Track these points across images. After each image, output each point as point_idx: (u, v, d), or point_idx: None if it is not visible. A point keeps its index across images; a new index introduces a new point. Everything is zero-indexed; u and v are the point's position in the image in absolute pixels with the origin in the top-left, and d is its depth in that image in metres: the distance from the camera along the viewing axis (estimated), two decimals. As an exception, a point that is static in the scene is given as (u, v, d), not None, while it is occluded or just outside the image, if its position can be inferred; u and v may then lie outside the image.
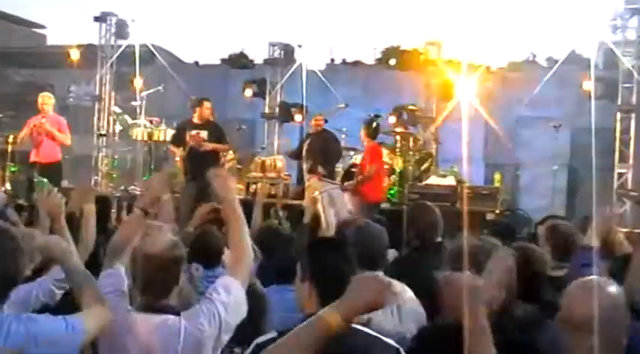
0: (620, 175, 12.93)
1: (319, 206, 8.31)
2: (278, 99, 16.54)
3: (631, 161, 12.89)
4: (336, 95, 14.75)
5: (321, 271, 2.59)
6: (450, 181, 11.17)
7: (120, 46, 15.98)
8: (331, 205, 9.67)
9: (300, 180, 11.88)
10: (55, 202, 3.80)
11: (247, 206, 9.97)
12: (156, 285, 2.99)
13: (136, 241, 3.18)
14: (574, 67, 14.05)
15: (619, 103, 13.00)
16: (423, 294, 3.63)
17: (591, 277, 2.47)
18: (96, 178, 15.53)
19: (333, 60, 20.12)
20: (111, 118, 15.71)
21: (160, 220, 3.79)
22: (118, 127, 14.83)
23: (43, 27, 26.73)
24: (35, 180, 9.12)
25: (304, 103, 14.54)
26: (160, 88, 14.28)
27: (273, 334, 2.45)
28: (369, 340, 2.46)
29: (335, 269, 2.54)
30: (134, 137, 13.63)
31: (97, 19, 16.26)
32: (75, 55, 15.79)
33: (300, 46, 16.42)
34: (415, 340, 3.00)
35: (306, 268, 2.65)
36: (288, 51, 16.82)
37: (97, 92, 16.25)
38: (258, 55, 18.82)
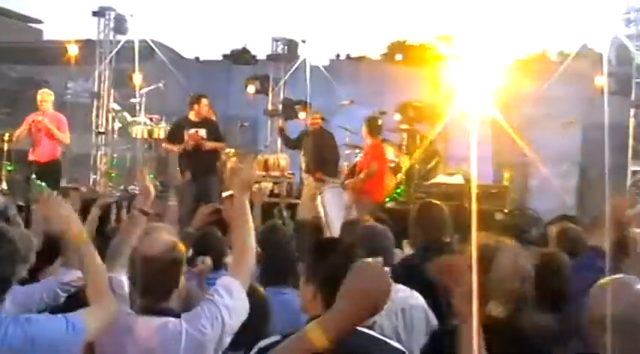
0: (634, 173, 12.90)
1: (318, 205, 8.35)
2: (281, 96, 16.53)
3: (645, 159, 12.87)
4: (341, 92, 14.75)
5: (326, 272, 2.57)
6: (458, 179, 11.17)
7: (119, 42, 15.98)
8: (330, 204, 9.73)
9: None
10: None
11: (250, 205, 10.00)
12: (155, 287, 2.99)
13: (135, 242, 3.19)
14: (586, 62, 14.02)
15: (632, 98, 12.98)
16: (430, 296, 3.64)
17: (619, 275, 2.47)
18: (94, 177, 15.54)
19: (338, 55, 20.11)
20: (110, 116, 15.72)
21: (166, 222, 3.81)
22: (117, 125, 14.85)
23: (39, 22, 26.80)
24: (34, 182, 9.13)
25: (308, 100, 14.55)
26: (160, 84, 14.29)
27: (276, 338, 2.46)
28: (373, 343, 2.44)
29: (340, 271, 2.54)
30: (134, 135, 13.65)
31: (95, 13, 16.28)
32: (72, 50, 15.77)
33: (303, 42, 16.44)
34: (428, 345, 3.01)
35: (310, 269, 2.65)
36: (291, 46, 16.82)
37: (96, 89, 16.25)
38: (260, 50, 18.81)
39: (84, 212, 5.26)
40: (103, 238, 4.80)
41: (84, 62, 16.27)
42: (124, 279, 3.19)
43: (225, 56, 20.63)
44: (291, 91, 16.36)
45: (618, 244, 3.82)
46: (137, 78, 14.50)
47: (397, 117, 12.83)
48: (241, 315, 3.06)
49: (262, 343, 2.52)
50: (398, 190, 11.29)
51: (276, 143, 15.89)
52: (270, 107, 16.61)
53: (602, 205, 3.35)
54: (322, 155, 10.57)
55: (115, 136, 15.27)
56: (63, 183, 12.59)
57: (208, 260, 4.16)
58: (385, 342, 2.51)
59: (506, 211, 10.32)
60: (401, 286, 3.74)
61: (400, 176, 11.39)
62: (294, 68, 15.96)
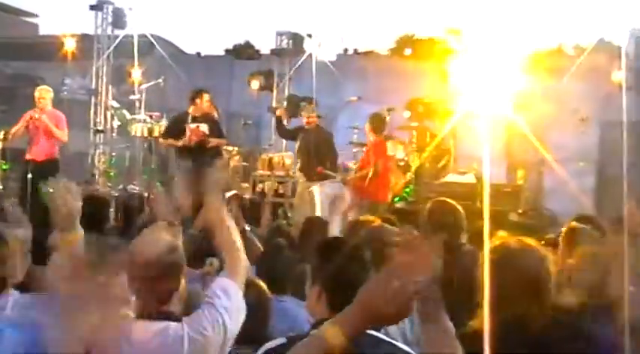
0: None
1: (316, 204, 8.37)
2: (286, 92, 16.53)
3: (665, 157, 12.82)
4: (348, 88, 14.76)
5: (331, 273, 2.61)
6: (470, 178, 11.17)
7: (117, 37, 16.00)
8: (330, 198, 9.76)
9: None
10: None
11: (254, 206, 10.03)
12: (154, 291, 3.00)
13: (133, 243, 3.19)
14: (603, 56, 13.98)
15: (652, 94, 12.96)
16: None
17: None
18: (93, 176, 15.56)
19: (345, 50, 20.14)
20: (108, 113, 15.73)
21: (157, 211, 3.77)
22: (116, 123, 14.87)
23: (34, 16, 26.87)
24: (41, 189, 9.16)
25: (314, 97, 14.56)
26: (160, 80, 14.31)
27: (282, 341, 2.48)
28: (380, 345, 2.44)
29: (345, 272, 2.55)
30: (133, 133, 13.64)
31: (92, 7, 16.27)
32: (69, 46, 15.81)
33: (309, 36, 16.44)
34: None
35: (315, 270, 2.69)
36: (296, 41, 16.82)
37: (93, 85, 16.25)
38: (264, 45, 18.93)
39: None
40: (102, 237, 4.82)
41: (81, 58, 16.29)
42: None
43: (227, 51, 20.73)
44: (297, 88, 16.38)
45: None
46: (136, 74, 14.52)
47: (406, 114, 12.82)
48: (240, 316, 3.08)
49: (268, 345, 2.54)
50: (407, 190, 11.30)
51: (280, 142, 15.92)
52: (274, 104, 16.61)
53: (621, 206, 3.32)
54: (320, 153, 10.50)
55: (114, 134, 15.29)
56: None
57: (215, 262, 4.17)
58: (393, 344, 2.52)
59: (520, 211, 10.30)
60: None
61: (409, 175, 11.39)
62: (299, 63, 15.97)
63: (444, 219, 4.77)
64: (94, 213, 5.57)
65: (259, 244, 5.24)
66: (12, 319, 2.73)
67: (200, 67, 18.25)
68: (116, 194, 12.20)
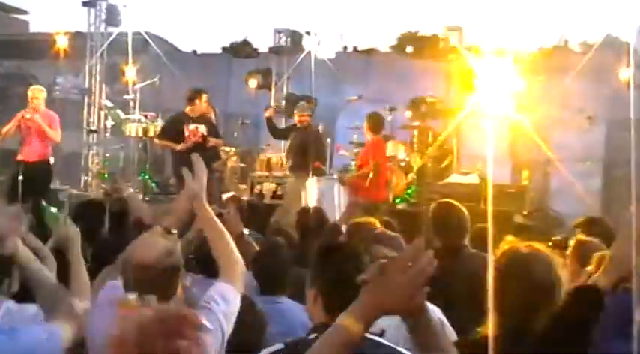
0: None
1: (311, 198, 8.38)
2: (284, 91, 16.55)
3: (674, 157, 12.82)
4: (348, 87, 14.77)
5: (328, 276, 2.64)
6: (473, 179, 11.18)
7: (111, 34, 16.01)
8: (324, 195, 9.79)
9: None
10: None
11: (253, 208, 10.02)
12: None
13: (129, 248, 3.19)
14: (610, 53, 13.99)
15: (660, 92, 12.96)
16: (448, 306, 3.65)
17: None
18: (86, 178, 15.57)
19: (345, 48, 20.11)
20: (102, 113, 15.76)
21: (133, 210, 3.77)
22: (110, 123, 14.91)
23: (25, 13, 26.78)
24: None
25: (313, 96, 14.57)
26: (155, 79, 14.34)
27: (280, 346, 2.53)
28: (382, 349, 2.45)
29: (342, 276, 2.57)
30: (127, 133, 13.66)
31: (85, 4, 16.30)
32: (61, 43, 15.81)
33: (308, 33, 16.45)
34: None
35: (313, 271, 2.72)
36: (295, 38, 16.84)
37: (86, 85, 16.28)
38: (262, 43, 18.81)
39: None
40: (96, 242, 4.84)
41: (74, 56, 16.29)
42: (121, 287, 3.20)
43: (224, 49, 20.64)
44: (295, 87, 16.39)
45: None
46: (131, 73, 14.54)
47: (408, 113, 12.84)
48: (233, 319, 3.11)
49: (266, 351, 2.57)
50: (409, 191, 11.30)
51: (279, 142, 15.93)
52: (272, 103, 16.62)
53: (627, 206, 3.30)
54: (312, 152, 10.48)
55: (108, 134, 15.32)
56: (56, 185, 12.65)
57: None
58: (395, 349, 2.53)
59: (525, 212, 10.31)
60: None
61: (411, 176, 11.40)
62: (298, 62, 15.98)
63: (448, 222, 4.77)
64: (90, 218, 5.59)
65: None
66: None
67: (196, 66, 18.22)
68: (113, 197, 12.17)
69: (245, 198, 11.17)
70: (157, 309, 2.09)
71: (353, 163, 11.70)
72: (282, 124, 16.40)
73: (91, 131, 15.98)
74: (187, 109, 10.08)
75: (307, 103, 14.36)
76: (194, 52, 21.07)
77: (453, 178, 11.45)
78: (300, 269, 4.45)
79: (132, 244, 3.13)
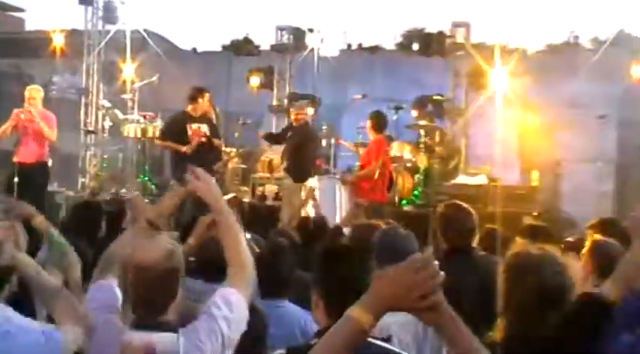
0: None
1: (309, 205, 8.38)
2: (287, 90, 16.56)
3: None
4: (352, 85, 14.77)
5: (331, 281, 2.64)
6: (481, 179, 11.18)
7: (108, 32, 16.03)
8: (324, 194, 9.79)
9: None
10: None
11: (254, 209, 10.00)
12: (151, 300, 2.99)
13: (128, 249, 3.19)
14: (622, 50, 13.98)
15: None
16: (452, 307, 3.63)
17: None
18: (83, 180, 15.58)
19: (349, 45, 20.13)
20: (99, 113, 15.75)
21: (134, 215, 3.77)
22: (108, 123, 14.90)
23: (21, 10, 26.86)
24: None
25: (316, 95, 14.57)
26: (154, 78, 14.34)
27: (281, 351, 2.54)
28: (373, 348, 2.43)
29: (343, 279, 2.57)
30: (125, 134, 13.66)
31: (82, 1, 16.28)
32: (58, 41, 15.83)
33: (311, 30, 16.46)
34: None
35: (316, 276, 2.73)
36: (297, 36, 16.84)
37: (84, 84, 16.29)
38: (264, 40, 18.90)
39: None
40: (93, 245, 4.83)
41: (70, 54, 16.31)
42: (116, 289, 3.20)
43: (225, 47, 20.72)
44: (298, 85, 16.39)
45: None
46: (129, 72, 14.55)
47: (414, 113, 12.83)
48: (240, 326, 3.08)
49: None
50: (416, 192, 11.27)
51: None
52: (274, 102, 16.63)
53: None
54: (298, 156, 10.40)
55: (105, 135, 15.31)
56: (53, 187, 12.65)
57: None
58: (385, 347, 2.53)
59: (535, 214, 10.29)
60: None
61: (418, 177, 11.37)
62: (300, 59, 15.98)
63: (455, 223, 4.76)
64: (87, 220, 5.59)
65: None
66: None
67: (196, 64, 18.26)
68: (107, 199, 12.19)
69: (247, 200, 11.17)
70: None
71: (357, 164, 11.72)
72: (284, 123, 16.45)
73: (89, 132, 15.95)
74: (189, 108, 10.01)
75: (311, 102, 14.38)
76: (194, 50, 21.14)
77: (461, 179, 11.44)
78: (303, 273, 4.46)
79: (132, 246, 3.13)
